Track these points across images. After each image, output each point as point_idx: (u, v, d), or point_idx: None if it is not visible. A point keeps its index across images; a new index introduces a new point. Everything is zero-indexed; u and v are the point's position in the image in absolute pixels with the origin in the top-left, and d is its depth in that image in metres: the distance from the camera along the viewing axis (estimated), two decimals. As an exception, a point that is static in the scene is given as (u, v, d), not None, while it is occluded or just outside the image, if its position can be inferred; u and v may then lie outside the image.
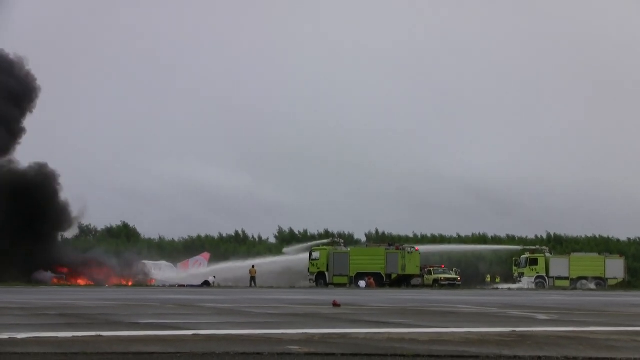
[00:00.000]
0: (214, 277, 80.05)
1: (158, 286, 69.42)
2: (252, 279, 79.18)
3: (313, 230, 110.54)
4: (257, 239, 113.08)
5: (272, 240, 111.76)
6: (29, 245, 73.86)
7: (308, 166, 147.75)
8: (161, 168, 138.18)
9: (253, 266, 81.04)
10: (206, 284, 76.96)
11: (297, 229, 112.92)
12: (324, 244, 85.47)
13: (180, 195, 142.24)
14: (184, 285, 71.23)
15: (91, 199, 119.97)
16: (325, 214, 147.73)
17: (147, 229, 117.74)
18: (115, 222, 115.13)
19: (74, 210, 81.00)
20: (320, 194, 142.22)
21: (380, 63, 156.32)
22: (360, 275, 77.84)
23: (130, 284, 75.69)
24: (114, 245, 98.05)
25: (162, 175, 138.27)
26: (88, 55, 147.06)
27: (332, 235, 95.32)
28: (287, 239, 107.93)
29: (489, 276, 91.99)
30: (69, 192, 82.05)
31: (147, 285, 69.63)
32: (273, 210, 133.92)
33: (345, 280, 78.99)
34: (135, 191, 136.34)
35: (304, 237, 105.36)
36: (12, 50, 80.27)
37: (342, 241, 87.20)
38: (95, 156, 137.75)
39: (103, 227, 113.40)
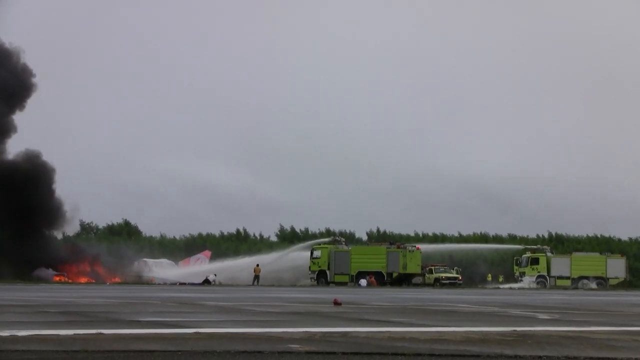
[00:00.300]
0: (215, 275, 79.96)
1: (159, 284, 69.42)
2: (256, 277, 79.14)
3: (314, 228, 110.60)
4: (258, 238, 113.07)
5: (274, 238, 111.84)
6: (22, 241, 73.44)
7: (309, 165, 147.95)
8: (162, 166, 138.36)
9: (257, 265, 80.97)
10: (207, 282, 76.96)
11: (299, 227, 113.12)
12: (325, 243, 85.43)
13: (182, 193, 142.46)
14: (185, 284, 71.23)
15: (92, 196, 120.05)
16: (326, 212, 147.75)
17: (149, 227, 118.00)
18: (116, 219, 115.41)
19: (68, 206, 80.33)
20: (322, 192, 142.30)
21: (381, 62, 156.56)
22: (362, 274, 77.90)
23: (117, 280, 75.47)
24: (115, 243, 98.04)
25: (164, 173, 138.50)
26: (88, 53, 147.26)
27: (334, 234, 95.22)
28: (289, 237, 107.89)
29: (490, 275, 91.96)
30: (68, 188, 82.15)
31: (148, 284, 69.59)
32: (274, 209, 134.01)
33: (346, 278, 79.05)
34: (137, 189, 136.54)
35: (305, 236, 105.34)
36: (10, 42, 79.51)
37: (344, 240, 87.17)
38: (96, 154, 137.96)
39: (104, 225, 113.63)
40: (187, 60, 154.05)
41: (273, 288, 57.95)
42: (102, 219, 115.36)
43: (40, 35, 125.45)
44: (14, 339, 9.79)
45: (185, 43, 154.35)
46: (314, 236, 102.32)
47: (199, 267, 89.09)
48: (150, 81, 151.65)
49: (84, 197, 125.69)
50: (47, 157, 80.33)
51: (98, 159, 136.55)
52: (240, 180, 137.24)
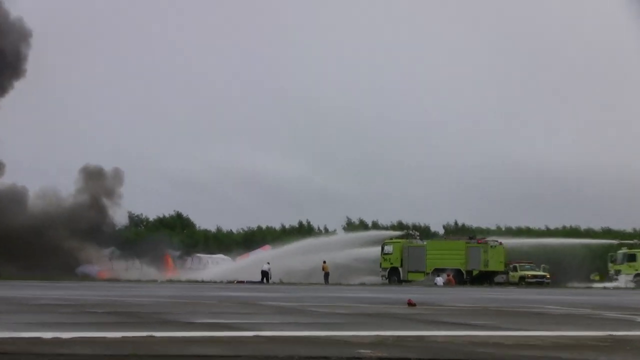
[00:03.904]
0: (268, 263, 79.27)
1: (215, 282, 69.74)
2: (326, 275, 78.96)
3: (385, 221, 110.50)
4: (323, 231, 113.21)
5: (340, 232, 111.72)
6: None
7: (378, 153, 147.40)
8: (216, 156, 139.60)
9: (324, 262, 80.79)
10: (264, 275, 76.78)
11: (367, 219, 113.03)
12: (397, 237, 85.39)
13: (238, 184, 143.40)
14: (243, 282, 71.46)
15: (141, 187, 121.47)
16: (398, 204, 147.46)
17: (203, 220, 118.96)
18: (168, 211, 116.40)
19: None
20: (393, 182, 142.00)
21: (453, 51, 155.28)
22: (438, 272, 77.69)
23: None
24: (168, 237, 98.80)
25: (218, 163, 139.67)
26: (143, 39, 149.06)
27: (407, 227, 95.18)
28: (357, 230, 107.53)
29: (597, 275, 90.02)
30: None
31: (202, 282, 69.97)
32: (340, 200, 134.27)
33: (421, 276, 78.95)
34: (190, 180, 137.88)
35: (375, 229, 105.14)
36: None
37: (418, 234, 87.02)
38: (146, 143, 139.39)
39: (155, 217, 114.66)
40: (242, 46, 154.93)
41: (340, 287, 58.04)
42: (152, 211, 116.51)
43: (80, 18, 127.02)
44: (57, 341, 9.89)
45: (239, 31, 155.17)
46: (385, 229, 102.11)
47: (252, 262, 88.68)
48: (204, 70, 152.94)
49: (132, 188, 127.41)
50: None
51: (148, 148, 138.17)
52: (301, 170, 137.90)
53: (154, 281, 69.03)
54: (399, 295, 32.84)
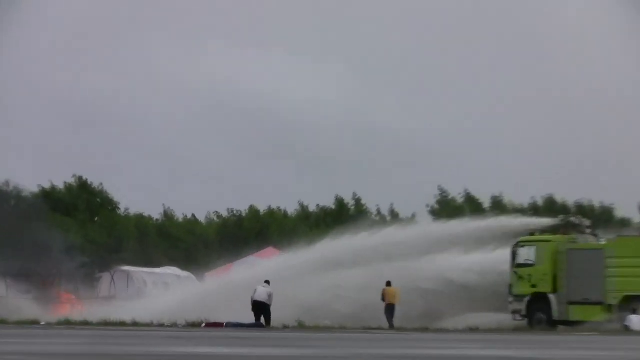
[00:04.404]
0: (267, 283, 77.54)
1: (161, 325, 68.42)
2: (389, 309, 77.23)
3: (521, 197, 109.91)
4: (387, 216, 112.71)
5: (424, 217, 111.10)
6: None
7: (500, 65, 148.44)
8: (169, 65, 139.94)
9: (389, 283, 79.27)
10: (260, 309, 74.73)
11: (479, 192, 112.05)
12: (544, 231, 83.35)
13: (212, 121, 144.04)
14: (221, 324, 69.98)
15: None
16: (545, 163, 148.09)
17: (134, 195, 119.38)
18: (63, 177, 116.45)
19: None
20: (531, 123, 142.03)
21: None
22: (634, 302, 75.44)
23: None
24: (60, 224, 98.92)
25: (171, 79, 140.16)
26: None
27: (565, 211, 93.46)
28: (454, 212, 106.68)
29: None
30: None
31: (133, 324, 68.66)
32: (424, 155, 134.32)
33: (596, 313, 76.78)
34: (105, 112, 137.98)
35: (498, 212, 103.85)
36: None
37: (589, 224, 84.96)
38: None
39: (36, 189, 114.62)
40: None
41: (425, 335, 56.88)
42: (30, 177, 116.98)
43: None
44: None
45: None
46: (520, 214, 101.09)
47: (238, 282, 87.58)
48: None
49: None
50: None
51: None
52: (338, 95, 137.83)
53: (35, 323, 69.04)
54: (550, 352, 32.92)
